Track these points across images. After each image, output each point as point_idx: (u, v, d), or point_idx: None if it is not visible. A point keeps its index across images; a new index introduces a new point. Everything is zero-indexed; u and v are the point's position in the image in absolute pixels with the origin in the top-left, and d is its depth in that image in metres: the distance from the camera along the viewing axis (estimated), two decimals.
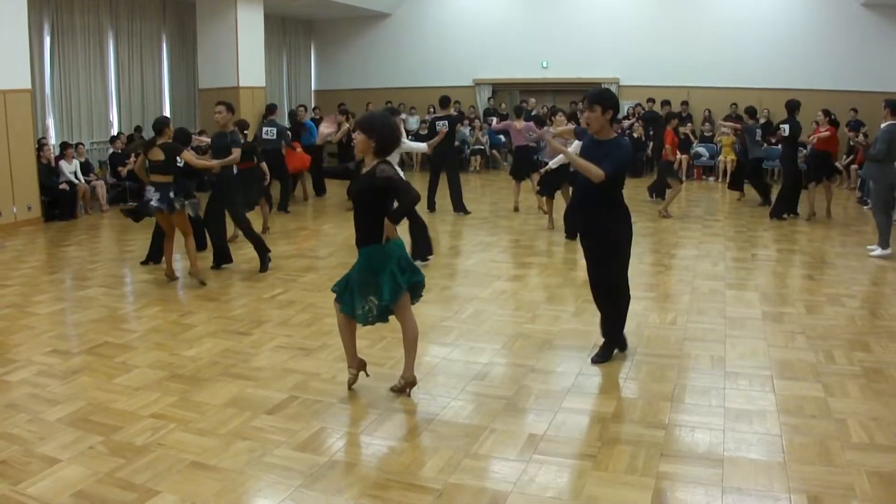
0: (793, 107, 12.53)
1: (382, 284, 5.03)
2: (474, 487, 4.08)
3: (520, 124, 12.98)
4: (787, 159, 12.80)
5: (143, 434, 4.74)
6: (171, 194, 8.37)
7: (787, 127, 12.47)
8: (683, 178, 13.03)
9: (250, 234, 9.19)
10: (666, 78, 19.32)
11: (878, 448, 4.46)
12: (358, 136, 5.04)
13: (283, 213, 13.51)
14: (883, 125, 9.90)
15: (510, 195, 13.89)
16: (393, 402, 5.23)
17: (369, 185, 4.99)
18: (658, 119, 15.69)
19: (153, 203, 8.35)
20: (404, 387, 5.34)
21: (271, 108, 14.11)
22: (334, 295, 5.38)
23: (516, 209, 13.42)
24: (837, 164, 16.37)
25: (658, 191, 14.34)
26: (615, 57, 19.89)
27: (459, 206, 13.31)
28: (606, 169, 5.47)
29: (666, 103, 14.90)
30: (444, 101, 13.49)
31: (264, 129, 13.63)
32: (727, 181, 15.86)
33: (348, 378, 5.46)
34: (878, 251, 9.79)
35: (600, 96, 5.60)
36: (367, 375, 5.57)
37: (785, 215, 12.63)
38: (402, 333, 5.30)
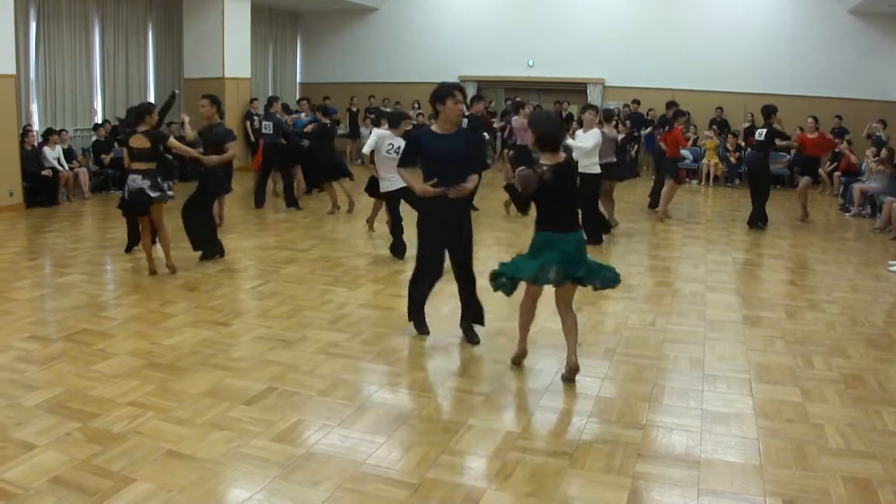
0: (768, 112, 12.10)
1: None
2: (451, 483, 4.08)
3: (518, 121, 12.48)
4: (762, 166, 12.28)
5: (121, 422, 4.72)
6: (160, 181, 8.18)
7: (763, 132, 12.12)
8: (682, 180, 12.73)
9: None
10: (651, 80, 19.42)
11: (854, 454, 4.49)
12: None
13: (296, 210, 12.90)
14: None
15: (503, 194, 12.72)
16: (371, 396, 5.23)
17: None
18: (642, 120, 15.54)
19: (147, 192, 8.10)
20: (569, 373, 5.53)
21: (270, 101, 13.72)
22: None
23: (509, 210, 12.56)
24: (821, 170, 16.41)
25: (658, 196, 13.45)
26: (601, 57, 19.95)
27: None
28: None
29: (672, 104, 14.74)
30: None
31: (263, 122, 13.20)
32: None
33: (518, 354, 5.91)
34: None
35: None
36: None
37: (760, 223, 12.19)
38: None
